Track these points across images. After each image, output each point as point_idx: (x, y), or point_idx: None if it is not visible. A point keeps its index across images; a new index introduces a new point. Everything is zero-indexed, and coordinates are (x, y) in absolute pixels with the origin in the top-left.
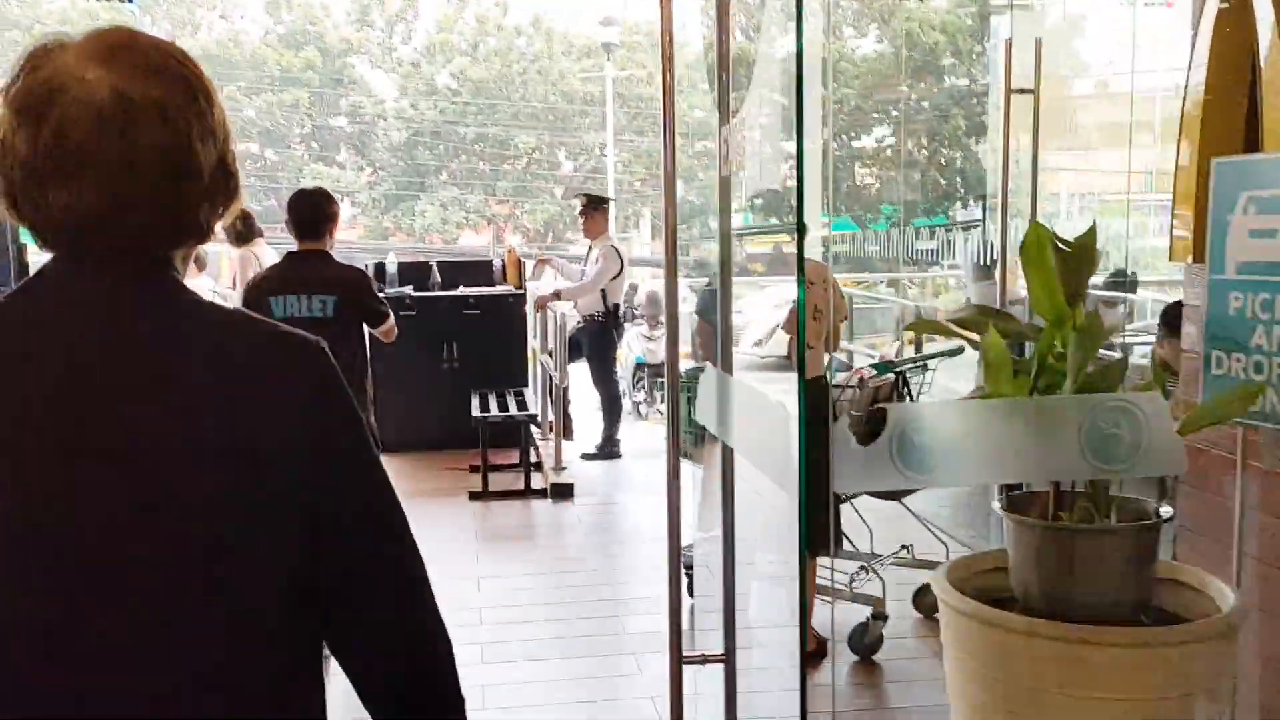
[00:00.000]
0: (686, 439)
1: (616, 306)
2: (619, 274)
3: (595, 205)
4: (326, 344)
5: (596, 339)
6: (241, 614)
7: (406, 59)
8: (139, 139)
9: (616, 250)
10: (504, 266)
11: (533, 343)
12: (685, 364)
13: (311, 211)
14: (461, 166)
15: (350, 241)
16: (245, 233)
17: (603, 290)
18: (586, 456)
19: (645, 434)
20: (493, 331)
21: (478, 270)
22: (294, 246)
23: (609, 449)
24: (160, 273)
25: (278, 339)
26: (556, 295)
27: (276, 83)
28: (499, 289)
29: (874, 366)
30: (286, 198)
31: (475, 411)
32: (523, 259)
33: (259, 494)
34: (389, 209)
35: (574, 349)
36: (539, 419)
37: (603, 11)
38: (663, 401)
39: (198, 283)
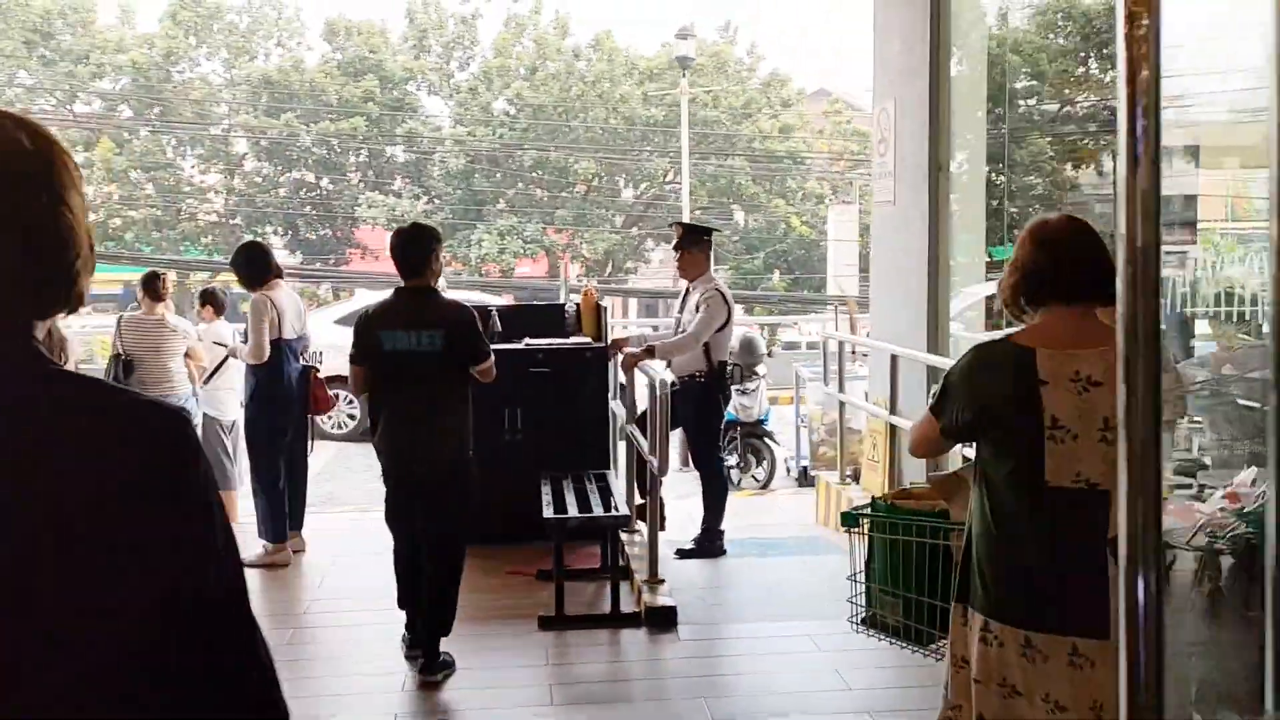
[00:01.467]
0: (880, 601)
1: (723, 365)
2: (726, 323)
3: (695, 239)
4: (435, 376)
5: (698, 405)
6: (87, 675)
7: (464, 85)
8: (28, 213)
9: (722, 294)
10: (578, 312)
11: (614, 407)
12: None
13: (413, 249)
14: (519, 194)
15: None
16: (259, 274)
17: (705, 343)
18: (682, 554)
19: (741, 510)
20: (566, 395)
21: (546, 317)
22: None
23: (710, 542)
24: (26, 342)
25: (137, 409)
26: (649, 352)
27: (334, 111)
28: (573, 341)
29: (1239, 516)
30: (343, 227)
31: (548, 509)
32: (601, 303)
33: (102, 558)
34: (444, 238)
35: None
36: (631, 521)
37: (665, 33)
38: (758, 465)
39: (214, 327)
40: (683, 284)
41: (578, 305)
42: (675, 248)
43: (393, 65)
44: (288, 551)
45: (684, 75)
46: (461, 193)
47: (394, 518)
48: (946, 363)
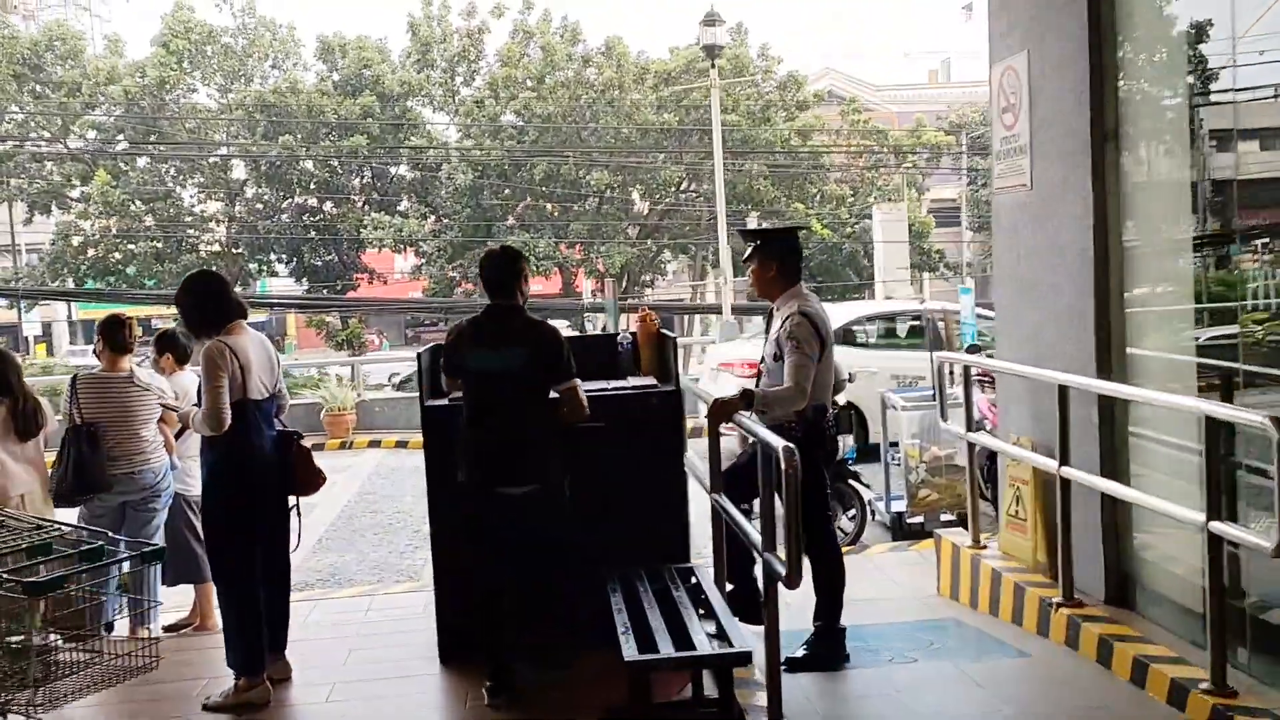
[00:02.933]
0: None
1: (820, 411)
2: (822, 355)
3: (767, 246)
4: (521, 397)
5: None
6: None
7: (469, 98)
8: None
9: (809, 319)
10: (634, 345)
11: (692, 470)
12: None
13: (499, 270)
14: (529, 209)
15: (409, 299)
16: (213, 314)
17: None
18: (794, 664)
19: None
20: (628, 459)
21: (592, 351)
22: None
23: (829, 647)
24: None
25: None
26: (746, 399)
27: (334, 131)
28: (633, 384)
29: None
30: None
31: (627, 641)
32: (665, 332)
33: None
34: (454, 258)
35: (742, 481)
36: (750, 655)
37: (673, 37)
38: (844, 514)
39: (178, 380)
40: (766, 301)
41: (634, 335)
42: (745, 260)
43: (391, 80)
44: (265, 686)
45: (713, 66)
46: (470, 210)
47: (487, 541)
48: (1132, 393)
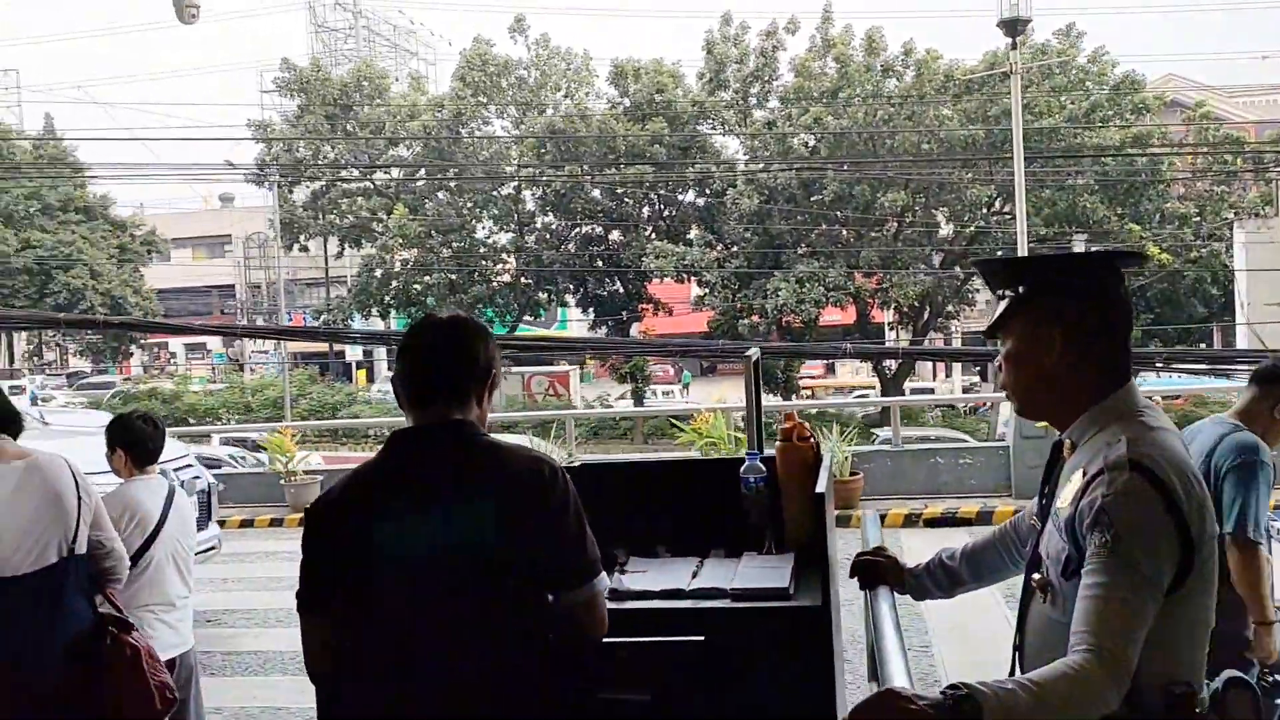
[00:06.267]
0: None
1: (1185, 698)
2: (1188, 576)
3: (1067, 295)
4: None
5: None
6: None
7: (760, 120)
8: None
9: (1153, 479)
10: (771, 475)
11: None
12: None
13: (440, 360)
14: (821, 235)
15: (694, 329)
16: None
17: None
18: None
19: None
20: None
21: (684, 490)
22: None
23: None
24: None
25: None
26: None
27: (622, 158)
28: (753, 574)
29: None
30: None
31: None
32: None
33: None
34: (741, 288)
35: None
36: None
37: (985, 40)
38: None
39: (129, 490)
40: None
41: (767, 465)
42: (988, 331)
43: (684, 104)
44: None
45: (1014, 46)
46: (758, 237)
47: None
48: None
